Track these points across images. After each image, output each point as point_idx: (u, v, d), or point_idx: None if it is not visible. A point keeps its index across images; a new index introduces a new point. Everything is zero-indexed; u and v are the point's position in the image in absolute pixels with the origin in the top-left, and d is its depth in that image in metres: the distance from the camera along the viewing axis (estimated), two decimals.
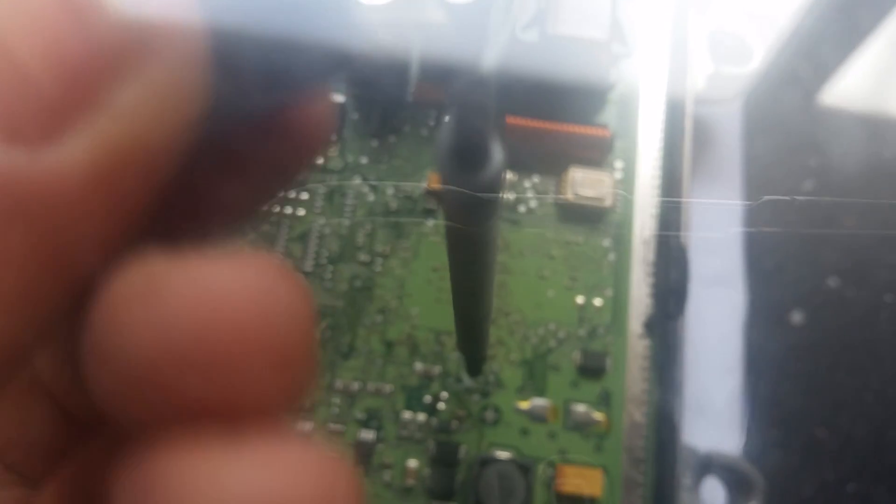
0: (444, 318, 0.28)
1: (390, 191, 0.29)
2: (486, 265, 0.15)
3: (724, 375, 0.33)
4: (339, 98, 0.30)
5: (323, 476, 0.09)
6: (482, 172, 0.11)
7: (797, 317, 0.38)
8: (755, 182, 0.37)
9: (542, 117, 0.29)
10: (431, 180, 0.29)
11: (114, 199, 0.09)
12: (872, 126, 0.41)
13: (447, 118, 0.11)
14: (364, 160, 0.30)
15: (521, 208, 0.30)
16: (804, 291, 0.38)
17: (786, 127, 0.39)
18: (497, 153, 0.11)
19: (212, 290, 0.09)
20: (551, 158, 0.30)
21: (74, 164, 0.08)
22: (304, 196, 0.29)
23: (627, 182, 0.30)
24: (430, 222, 0.29)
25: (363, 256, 0.29)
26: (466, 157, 0.11)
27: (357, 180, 0.29)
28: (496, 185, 0.11)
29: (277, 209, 0.29)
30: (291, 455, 0.09)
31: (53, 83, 0.08)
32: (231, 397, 0.09)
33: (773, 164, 0.39)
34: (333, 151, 0.30)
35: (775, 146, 0.39)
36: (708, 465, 0.28)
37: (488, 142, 0.11)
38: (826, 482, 0.36)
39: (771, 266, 0.38)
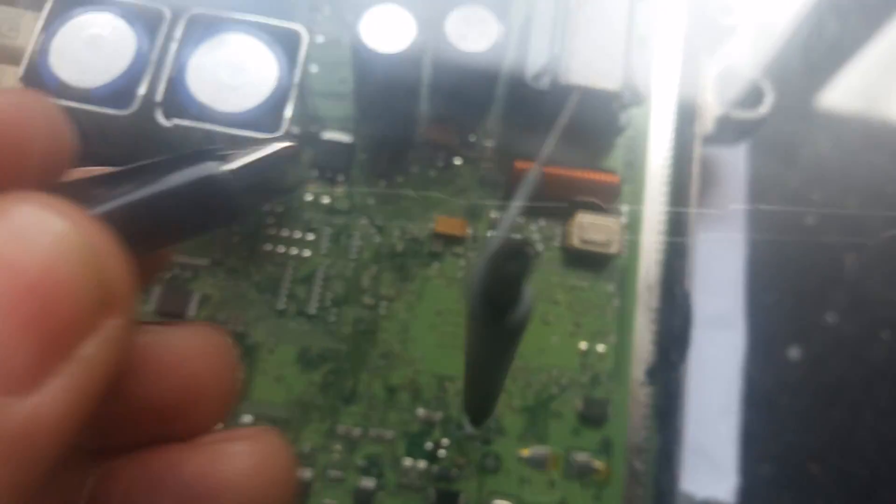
0: (448, 363, 0.28)
1: (396, 232, 0.29)
2: (509, 360, 0.16)
3: (722, 417, 0.34)
4: (347, 138, 0.30)
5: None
6: (513, 316, 0.11)
7: (794, 352, 0.38)
8: (760, 221, 0.37)
9: (551, 162, 0.29)
10: (439, 223, 0.29)
11: (79, 426, 0.11)
12: (872, 164, 0.41)
13: (485, 266, 0.11)
14: (371, 201, 0.30)
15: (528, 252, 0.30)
16: (802, 327, 0.38)
17: (789, 163, 0.39)
18: (526, 302, 0.11)
19: None
20: (559, 203, 0.30)
21: (52, 407, 0.11)
22: (311, 237, 0.29)
23: (633, 226, 0.30)
24: (436, 265, 0.29)
25: (368, 299, 0.29)
26: (500, 305, 0.11)
27: (363, 221, 0.29)
28: (523, 325, 0.12)
29: (283, 250, 0.29)
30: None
31: (31, 343, 0.10)
32: None
33: (777, 202, 0.39)
34: (340, 192, 0.30)
35: (779, 184, 0.39)
36: None
37: (520, 295, 0.11)
38: None
39: (770, 302, 0.38)
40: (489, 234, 0.30)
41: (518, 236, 0.11)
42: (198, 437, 0.14)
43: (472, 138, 0.31)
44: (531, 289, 0.12)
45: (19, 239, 0.11)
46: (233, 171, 0.12)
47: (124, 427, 0.14)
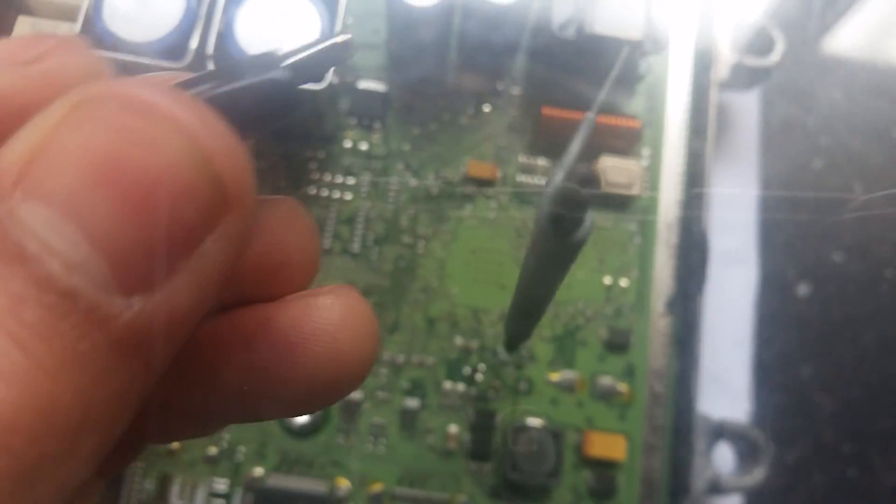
0: (482, 296, 0.30)
1: (431, 176, 0.31)
2: (561, 280, 0.18)
3: (736, 347, 0.36)
4: (381, 87, 0.32)
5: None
6: (576, 235, 0.13)
7: (803, 289, 0.40)
8: (771, 162, 0.39)
9: (576, 108, 0.31)
10: (471, 167, 0.31)
11: (199, 318, 0.12)
12: (881, 105, 0.43)
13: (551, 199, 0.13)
14: (406, 147, 0.32)
15: None
16: (810, 266, 0.40)
17: (799, 108, 0.41)
18: (587, 225, 0.13)
19: None
20: (584, 147, 0.31)
21: (176, 303, 0.11)
22: (351, 181, 0.31)
23: (654, 169, 0.32)
24: (469, 207, 0.31)
25: (407, 239, 0.31)
26: (564, 226, 0.13)
27: (400, 166, 0.31)
28: (582, 244, 0.14)
29: (326, 193, 0.31)
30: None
31: (155, 244, 0.11)
32: None
33: (788, 145, 0.41)
34: (377, 139, 0.31)
35: (789, 128, 0.41)
36: (720, 432, 0.31)
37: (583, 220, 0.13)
38: (824, 444, 0.38)
39: (780, 242, 0.40)
40: (550, 178, 0.31)
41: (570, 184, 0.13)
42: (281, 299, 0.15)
43: (501, 86, 0.33)
44: (591, 215, 0.14)
45: (140, 136, 0.11)
46: (292, 65, 0.13)
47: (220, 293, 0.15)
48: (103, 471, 0.16)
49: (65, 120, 0.11)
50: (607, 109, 0.32)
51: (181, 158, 0.11)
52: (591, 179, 0.13)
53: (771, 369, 0.38)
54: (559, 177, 0.13)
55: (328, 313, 0.14)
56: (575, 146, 0.13)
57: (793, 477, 0.38)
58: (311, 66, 0.14)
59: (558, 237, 0.13)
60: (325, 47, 0.14)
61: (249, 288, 0.15)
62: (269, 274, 0.15)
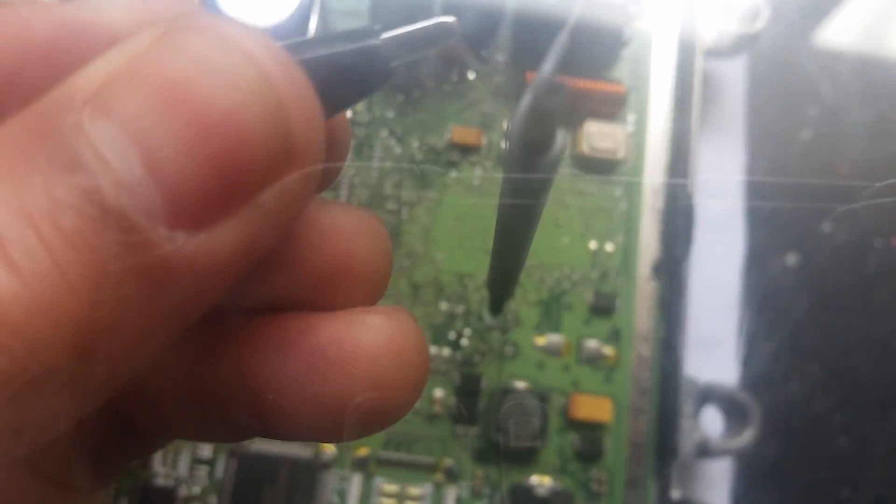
0: (467, 262, 0.30)
1: (415, 143, 0.31)
2: (533, 226, 0.18)
3: (724, 313, 0.36)
4: None
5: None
6: (547, 154, 0.13)
7: (792, 259, 0.40)
8: (758, 132, 0.39)
9: (561, 72, 0.31)
10: (455, 133, 0.31)
11: (240, 274, 0.11)
12: (868, 76, 0.43)
13: (526, 105, 0.13)
14: (390, 114, 0.32)
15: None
16: (799, 235, 0.40)
17: (787, 79, 0.41)
18: (560, 143, 0.13)
19: None
20: (568, 112, 0.32)
21: (219, 250, 0.11)
22: None
23: (639, 135, 0.32)
24: (454, 174, 0.31)
25: (391, 205, 0.31)
26: (536, 142, 0.13)
27: (384, 133, 0.31)
28: (557, 163, 0.14)
29: None
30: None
31: (212, 181, 0.10)
32: None
33: (775, 115, 0.41)
34: (361, 106, 0.31)
35: (777, 98, 0.41)
36: (708, 395, 0.31)
37: (556, 132, 0.13)
38: (816, 413, 0.38)
39: (768, 211, 0.40)
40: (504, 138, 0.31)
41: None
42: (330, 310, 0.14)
43: (485, 53, 0.33)
44: (564, 133, 0.14)
45: (215, 68, 0.10)
46: (391, 39, 0.13)
47: (271, 287, 0.14)
48: (111, 470, 0.15)
49: (148, 47, 0.11)
50: (591, 74, 0.32)
51: (253, 99, 0.10)
52: (562, 88, 0.12)
53: (759, 338, 0.38)
54: (527, 95, 0.13)
55: (374, 334, 0.13)
56: (550, 58, 0.13)
57: (783, 446, 0.38)
58: (411, 45, 0.14)
59: (530, 157, 0.13)
60: (429, 27, 0.14)
61: (304, 293, 0.14)
62: (328, 282, 0.14)
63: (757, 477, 0.36)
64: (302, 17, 0.27)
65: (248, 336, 0.14)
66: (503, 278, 0.23)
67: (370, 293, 0.14)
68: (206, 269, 0.11)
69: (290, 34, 0.27)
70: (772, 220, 0.40)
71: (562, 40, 0.14)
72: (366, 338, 0.13)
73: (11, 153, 0.10)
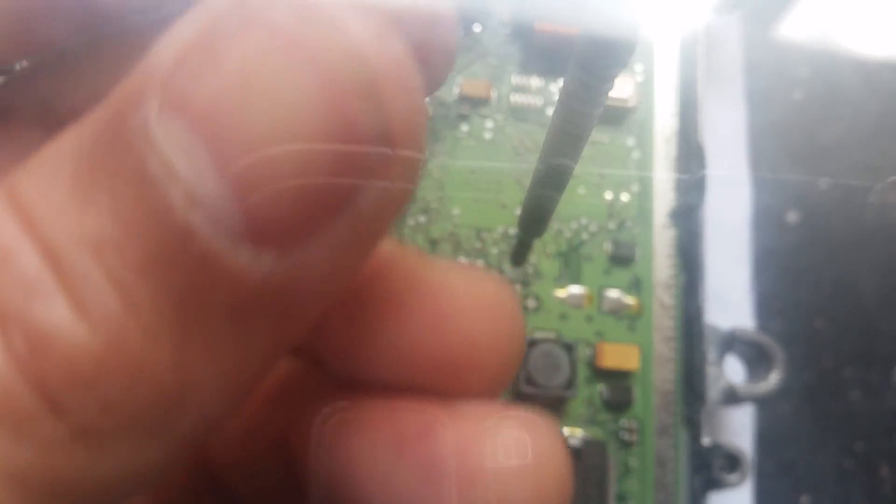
0: (483, 215, 0.30)
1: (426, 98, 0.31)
2: (582, 144, 0.17)
3: (736, 265, 0.36)
4: None
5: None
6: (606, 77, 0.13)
7: (793, 216, 0.40)
8: (755, 89, 0.39)
9: (567, 23, 0.31)
10: (464, 86, 0.31)
11: (340, 291, 0.10)
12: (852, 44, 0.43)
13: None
14: None
15: (549, 111, 0.31)
16: (798, 193, 0.41)
17: (779, 39, 0.41)
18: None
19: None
20: None
21: (314, 270, 0.09)
22: None
23: (647, 83, 0.32)
24: (465, 127, 0.31)
25: None
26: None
27: None
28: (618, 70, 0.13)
29: None
30: None
31: (303, 197, 0.08)
32: None
33: (769, 74, 0.41)
34: None
35: (770, 56, 0.41)
36: (731, 340, 0.31)
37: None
38: (825, 369, 0.38)
39: (767, 169, 0.40)
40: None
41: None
42: (453, 403, 0.11)
43: (491, 5, 0.32)
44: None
45: (303, 47, 0.08)
46: None
47: (376, 364, 0.12)
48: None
49: (224, 19, 0.08)
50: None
51: (345, 77, 0.08)
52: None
53: (768, 296, 0.38)
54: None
55: (505, 452, 0.11)
56: None
57: (797, 402, 0.38)
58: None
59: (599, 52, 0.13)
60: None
61: (420, 376, 0.11)
62: (449, 369, 0.11)
63: (776, 429, 0.36)
64: None
65: (359, 426, 0.11)
66: (540, 210, 0.23)
67: (497, 382, 0.12)
68: (300, 294, 0.09)
69: None
70: (772, 179, 0.40)
71: None
72: (494, 456, 0.11)
73: (78, 166, 0.08)
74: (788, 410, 0.37)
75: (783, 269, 0.39)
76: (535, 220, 0.24)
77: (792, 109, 0.42)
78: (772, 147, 0.41)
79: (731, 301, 0.35)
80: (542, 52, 0.31)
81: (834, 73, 0.43)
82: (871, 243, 0.41)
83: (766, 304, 0.38)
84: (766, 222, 0.39)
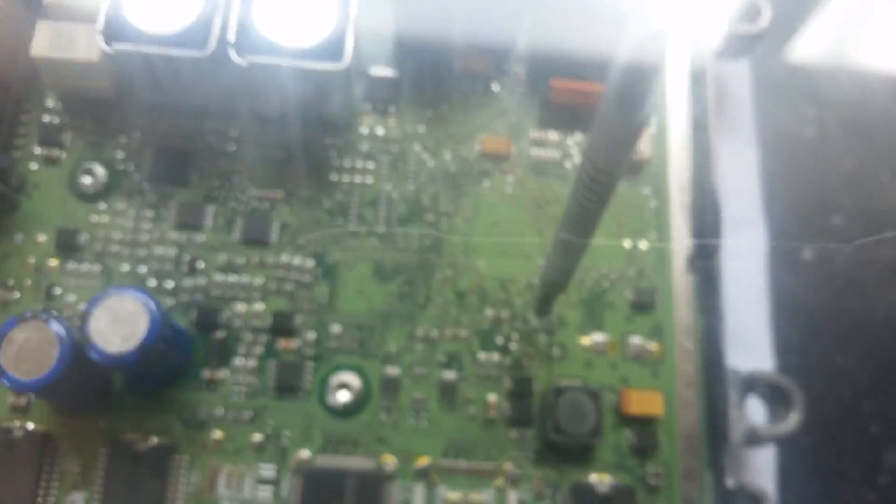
0: (508, 267, 0.31)
1: (448, 155, 0.32)
2: (606, 201, 0.18)
3: (754, 306, 0.37)
4: (392, 73, 0.33)
5: None
6: (641, 113, 0.14)
7: (808, 254, 0.41)
8: (766, 130, 0.40)
9: (582, 78, 0.32)
10: (485, 143, 0.32)
11: None
12: (860, 77, 0.44)
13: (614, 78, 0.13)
14: (421, 129, 0.32)
15: (567, 164, 0.32)
16: (813, 230, 0.42)
17: (788, 80, 0.43)
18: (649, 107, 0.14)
19: None
20: (592, 116, 0.32)
21: None
22: (371, 166, 0.32)
23: (661, 135, 0.33)
24: (486, 182, 0.32)
25: (429, 216, 0.31)
26: (628, 102, 0.14)
27: (417, 147, 0.32)
28: (643, 125, 0.14)
29: (348, 178, 0.31)
30: None
31: None
32: None
33: (780, 114, 0.42)
34: (393, 123, 0.32)
35: (780, 98, 0.42)
36: (751, 383, 0.31)
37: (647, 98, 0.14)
38: (844, 403, 0.39)
39: (782, 208, 0.41)
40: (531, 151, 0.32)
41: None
42: None
43: (506, 65, 0.33)
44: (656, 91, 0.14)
45: None
46: None
47: None
48: None
49: None
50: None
51: None
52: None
53: (785, 332, 0.39)
54: (623, 56, 0.14)
55: None
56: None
57: (818, 438, 0.38)
58: None
59: (625, 112, 0.14)
60: None
61: None
62: None
63: (796, 466, 0.37)
64: (340, 36, 0.28)
65: None
66: (566, 267, 0.24)
67: None
68: None
69: (328, 54, 0.28)
70: (787, 216, 0.41)
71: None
72: None
73: None
74: (809, 446, 0.38)
75: (800, 306, 0.40)
76: (558, 278, 0.26)
77: (804, 147, 0.43)
78: (786, 186, 0.42)
79: (750, 341, 0.36)
80: (559, 106, 0.33)
81: (845, 109, 0.44)
82: (887, 277, 0.41)
83: (784, 342, 0.38)
84: (781, 261, 0.40)
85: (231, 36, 0.28)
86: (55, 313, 0.25)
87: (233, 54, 0.27)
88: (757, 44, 0.37)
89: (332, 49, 0.28)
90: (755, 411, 0.32)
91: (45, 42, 0.29)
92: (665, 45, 0.13)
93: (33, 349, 0.25)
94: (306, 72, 0.28)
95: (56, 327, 0.25)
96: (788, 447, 0.36)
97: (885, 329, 0.40)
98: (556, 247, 0.22)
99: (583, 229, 0.21)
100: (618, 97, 0.14)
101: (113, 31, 0.28)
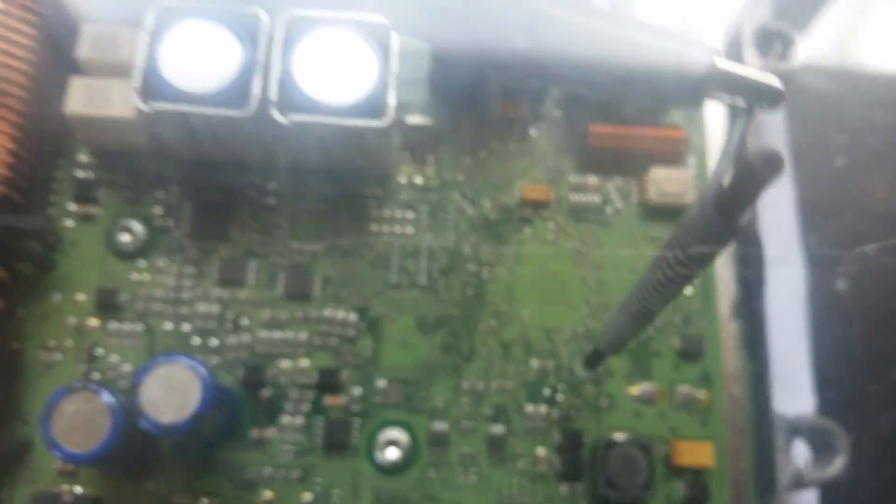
0: (552, 317, 0.31)
1: (488, 203, 0.32)
2: (679, 290, 0.18)
3: (796, 345, 0.36)
4: (428, 121, 0.32)
5: None
6: (740, 222, 0.14)
7: (842, 284, 0.41)
8: (799, 163, 0.40)
9: (620, 121, 0.32)
10: (525, 191, 0.32)
11: None
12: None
13: (721, 173, 0.13)
14: (460, 177, 0.32)
15: (608, 209, 0.32)
16: (846, 261, 0.41)
17: (819, 111, 0.42)
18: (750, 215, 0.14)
19: None
20: (632, 160, 0.32)
21: None
22: (411, 215, 0.31)
23: (701, 177, 0.33)
24: (528, 230, 0.32)
25: (471, 266, 0.31)
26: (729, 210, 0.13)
27: (456, 196, 0.32)
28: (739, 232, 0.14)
29: (388, 229, 0.31)
30: None
31: None
32: None
33: (812, 145, 0.42)
34: (431, 171, 0.32)
35: (812, 129, 0.42)
36: (796, 428, 0.31)
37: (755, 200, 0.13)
38: (884, 435, 0.39)
39: (816, 242, 0.41)
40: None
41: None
42: None
43: (542, 110, 0.33)
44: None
45: None
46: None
47: None
48: None
49: None
50: (649, 122, 0.33)
51: None
52: (777, 162, 0.13)
53: (826, 365, 0.38)
54: (723, 164, 0.13)
55: None
56: (735, 134, 0.13)
57: (861, 473, 0.38)
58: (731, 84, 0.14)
59: (723, 221, 0.14)
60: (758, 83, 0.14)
61: None
62: None
63: (843, 501, 0.36)
64: (381, 92, 0.28)
65: None
66: (622, 341, 0.24)
67: None
68: None
69: (371, 107, 0.28)
70: (822, 247, 0.41)
71: (745, 113, 0.15)
72: None
73: None
74: (853, 481, 0.37)
75: (838, 338, 0.40)
76: (617, 342, 0.25)
77: (835, 177, 0.43)
78: (820, 218, 0.41)
79: (793, 382, 0.36)
80: (598, 151, 0.32)
81: (873, 136, 0.44)
82: None
83: (825, 377, 0.38)
84: (817, 293, 0.40)
85: (273, 94, 0.27)
86: (103, 383, 0.25)
87: (275, 113, 0.27)
88: (792, 80, 0.36)
89: (375, 105, 0.28)
90: (801, 455, 0.32)
91: (79, 99, 0.29)
92: (781, 163, 0.13)
93: (84, 420, 0.24)
94: (348, 128, 0.28)
95: (107, 398, 0.24)
96: (832, 485, 0.36)
97: None
98: (619, 318, 0.22)
99: (650, 314, 0.21)
100: (719, 201, 0.14)
101: (149, 89, 0.27)
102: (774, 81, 0.15)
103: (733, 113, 0.16)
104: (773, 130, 0.40)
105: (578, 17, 0.23)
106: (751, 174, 0.13)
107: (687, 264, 0.17)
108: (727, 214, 0.14)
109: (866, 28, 0.46)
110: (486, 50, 0.27)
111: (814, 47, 0.43)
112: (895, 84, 0.44)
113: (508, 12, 0.24)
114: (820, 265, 0.40)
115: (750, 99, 0.15)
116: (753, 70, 0.15)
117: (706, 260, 0.17)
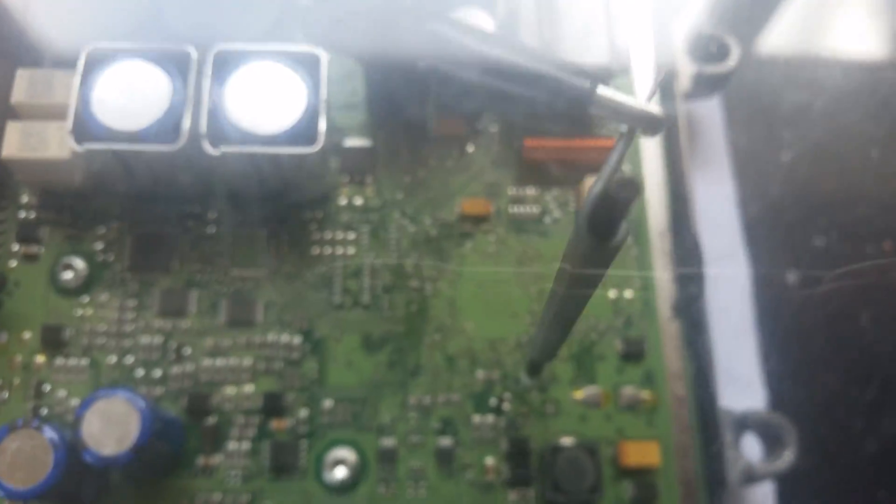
0: (496, 327, 0.31)
1: (428, 220, 0.32)
2: (585, 304, 0.19)
3: (743, 340, 0.37)
4: (367, 143, 0.33)
5: None
6: (613, 240, 0.14)
7: (791, 276, 0.41)
8: (742, 162, 0.41)
9: (553, 135, 0.33)
10: (464, 205, 0.32)
11: None
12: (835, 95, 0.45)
13: (596, 196, 0.14)
14: (400, 195, 0.32)
15: (547, 219, 0.33)
16: (796, 255, 0.42)
17: (760, 108, 0.43)
18: (623, 230, 0.14)
19: None
20: (567, 171, 0.33)
21: None
22: (352, 235, 0.32)
23: (637, 181, 0.33)
24: (469, 244, 0.32)
25: (414, 283, 0.31)
26: (602, 230, 0.14)
27: (396, 214, 0.32)
28: (617, 251, 0.15)
29: (329, 251, 0.31)
30: None
31: None
32: None
33: (754, 143, 0.42)
34: (371, 192, 0.32)
35: (753, 127, 0.43)
36: (744, 423, 0.32)
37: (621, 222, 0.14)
38: (839, 423, 0.39)
39: (763, 235, 0.42)
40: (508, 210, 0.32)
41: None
42: None
43: (479, 126, 0.34)
44: (626, 224, 0.15)
45: None
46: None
47: None
48: None
49: None
50: (583, 134, 0.33)
51: None
52: (631, 187, 0.14)
53: (775, 358, 0.39)
54: (598, 186, 0.14)
55: None
56: (613, 158, 0.14)
57: (816, 460, 0.38)
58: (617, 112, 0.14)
59: (596, 242, 0.14)
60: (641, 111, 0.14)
61: None
62: None
63: (796, 492, 0.37)
64: (311, 119, 0.28)
65: None
66: (553, 347, 0.24)
67: None
68: None
69: (301, 135, 0.28)
70: (768, 242, 0.41)
71: (628, 132, 0.15)
72: None
73: None
74: (808, 469, 0.38)
75: (788, 331, 0.40)
76: (548, 350, 0.26)
77: (781, 172, 0.44)
78: (765, 213, 0.42)
79: (741, 377, 0.36)
80: (534, 164, 0.33)
81: (818, 129, 0.44)
82: (870, 294, 0.42)
83: (774, 371, 0.39)
84: (766, 289, 0.40)
85: (203, 127, 0.28)
86: (46, 420, 0.25)
87: (206, 146, 0.28)
88: (727, 81, 0.37)
89: (306, 132, 0.28)
90: (751, 449, 0.33)
91: (14, 142, 0.29)
92: (637, 189, 0.13)
93: (27, 457, 0.25)
94: (280, 156, 0.28)
95: (49, 434, 0.25)
96: (786, 477, 0.36)
97: (875, 347, 0.41)
98: (540, 329, 0.22)
99: (569, 321, 0.21)
100: (590, 223, 0.14)
101: (82, 130, 0.28)
102: (655, 110, 0.15)
103: (618, 136, 0.16)
104: (713, 133, 0.41)
105: (469, 40, 0.24)
106: (608, 199, 0.14)
107: (579, 280, 0.17)
108: (599, 234, 0.14)
109: (827, 21, 0.47)
110: (399, 67, 0.28)
111: (774, 44, 0.45)
112: (837, 71, 0.45)
113: (414, 34, 0.25)
114: (767, 260, 0.41)
115: (632, 125, 0.15)
116: (634, 99, 0.15)
117: (594, 280, 0.17)
